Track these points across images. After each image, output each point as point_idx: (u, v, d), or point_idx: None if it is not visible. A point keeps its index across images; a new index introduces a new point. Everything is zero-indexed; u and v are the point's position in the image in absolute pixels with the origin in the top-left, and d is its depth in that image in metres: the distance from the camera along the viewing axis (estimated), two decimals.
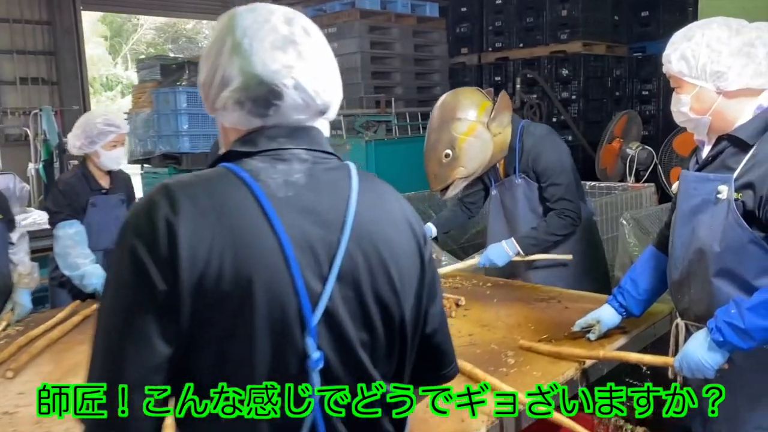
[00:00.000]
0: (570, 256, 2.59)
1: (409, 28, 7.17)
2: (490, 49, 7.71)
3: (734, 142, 1.61)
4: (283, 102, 0.95)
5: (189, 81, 5.81)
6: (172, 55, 16.16)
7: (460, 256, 4.43)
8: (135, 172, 9.39)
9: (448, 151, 2.58)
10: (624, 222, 2.96)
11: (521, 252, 2.58)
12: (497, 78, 7.59)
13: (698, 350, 1.59)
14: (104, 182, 2.90)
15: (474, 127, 2.57)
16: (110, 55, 23.48)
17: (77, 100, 11.05)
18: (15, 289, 2.52)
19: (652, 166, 4.67)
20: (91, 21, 22.82)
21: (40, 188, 9.80)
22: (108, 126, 2.83)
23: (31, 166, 10.00)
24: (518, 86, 7.22)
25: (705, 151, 1.71)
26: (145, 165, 6.38)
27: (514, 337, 2.04)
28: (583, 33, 6.89)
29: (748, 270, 1.58)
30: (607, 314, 1.98)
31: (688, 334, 1.73)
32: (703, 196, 1.64)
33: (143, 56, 16.01)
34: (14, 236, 2.59)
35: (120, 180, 2.96)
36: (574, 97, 7.02)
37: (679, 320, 1.81)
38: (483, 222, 4.18)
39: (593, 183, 4.18)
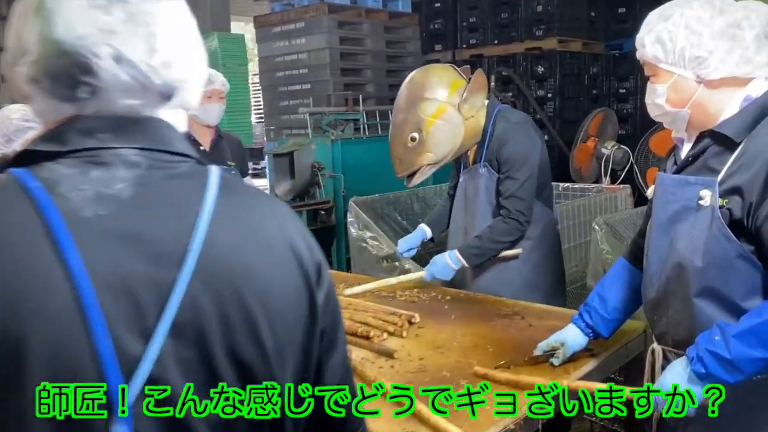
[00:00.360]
0: (519, 250, 2.35)
1: (380, 24, 6.94)
2: (464, 45, 7.51)
3: (718, 140, 1.38)
4: (100, 80, 0.67)
5: None
6: None
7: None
8: None
9: (415, 135, 2.32)
10: (596, 227, 2.72)
11: (465, 264, 2.33)
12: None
13: (676, 382, 1.35)
14: None
15: (443, 109, 2.31)
16: None
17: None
18: None
19: (628, 166, 4.46)
20: None
21: None
22: (27, 122, 2.53)
23: None
24: (493, 84, 7.01)
25: (684, 150, 1.47)
26: None
27: (469, 361, 1.79)
28: (558, 29, 6.74)
29: (735, 289, 1.34)
30: (572, 336, 1.73)
31: (666, 361, 1.50)
32: (682, 202, 1.40)
33: None
34: None
35: None
36: (550, 95, 6.86)
37: (655, 345, 1.57)
38: None
39: (566, 184, 3.96)
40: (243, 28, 10.40)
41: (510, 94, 7.03)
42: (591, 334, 1.73)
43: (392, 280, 2.50)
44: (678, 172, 1.46)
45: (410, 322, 2.10)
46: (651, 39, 1.39)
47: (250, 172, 4.84)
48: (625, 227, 2.87)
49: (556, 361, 1.72)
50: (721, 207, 1.32)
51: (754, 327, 1.26)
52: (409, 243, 2.61)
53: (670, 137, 1.54)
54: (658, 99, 1.42)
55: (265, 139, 7.62)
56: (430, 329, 2.07)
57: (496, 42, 7.20)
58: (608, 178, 4.39)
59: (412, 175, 2.41)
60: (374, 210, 3.98)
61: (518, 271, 2.40)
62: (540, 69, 6.86)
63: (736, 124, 1.35)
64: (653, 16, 1.41)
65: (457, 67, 2.46)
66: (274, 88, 7.10)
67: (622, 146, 4.49)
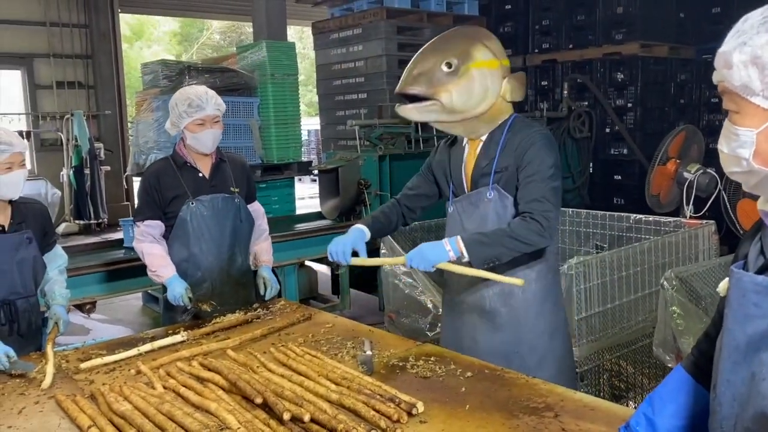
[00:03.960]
0: (521, 281, 1.87)
1: (443, 29, 6.45)
2: (536, 50, 6.97)
3: None
4: None
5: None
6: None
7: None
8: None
9: (454, 62, 1.94)
10: (665, 284, 2.18)
11: (464, 254, 1.87)
12: (543, 82, 6.84)
13: None
14: (0, 217, 2.32)
15: (494, 65, 1.97)
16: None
17: (113, 104, 10.86)
18: None
19: (715, 194, 3.80)
20: (165, 24, 22.96)
21: (72, 195, 9.61)
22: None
23: (64, 171, 9.84)
24: (566, 92, 6.45)
25: None
26: None
27: None
28: (641, 32, 6.10)
29: None
30: None
31: None
32: None
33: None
34: None
35: (25, 213, 2.38)
36: (630, 104, 6.24)
37: None
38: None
39: (639, 216, 3.37)
40: (300, 33, 10.20)
41: (585, 103, 6.45)
42: None
43: (368, 261, 2.11)
44: (766, 269, 0.95)
45: (410, 414, 1.67)
46: (742, 57, 0.89)
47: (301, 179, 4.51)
48: (704, 283, 2.31)
49: None
50: None
51: None
52: (342, 244, 2.07)
53: None
54: (740, 149, 0.93)
55: (322, 150, 7.34)
56: (433, 426, 1.63)
57: (570, 46, 6.64)
58: (691, 207, 3.75)
59: (414, 100, 1.99)
60: (413, 240, 3.53)
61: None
62: (619, 76, 6.25)
63: None
64: (749, 23, 0.92)
65: None
66: (330, 98, 6.80)
67: (709, 170, 3.83)
